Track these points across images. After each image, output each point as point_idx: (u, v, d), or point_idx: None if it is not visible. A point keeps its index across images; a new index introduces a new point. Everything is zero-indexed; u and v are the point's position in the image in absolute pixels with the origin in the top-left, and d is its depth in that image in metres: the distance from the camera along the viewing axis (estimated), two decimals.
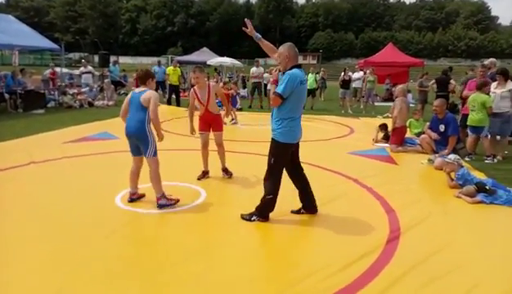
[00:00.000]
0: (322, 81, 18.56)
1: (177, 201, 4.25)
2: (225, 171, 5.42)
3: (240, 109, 14.18)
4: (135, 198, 4.37)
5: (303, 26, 76.57)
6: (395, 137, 7.57)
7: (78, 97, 13.69)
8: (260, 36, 4.16)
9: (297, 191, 4.08)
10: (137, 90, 4.21)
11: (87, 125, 9.56)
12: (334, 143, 8.37)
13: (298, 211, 4.11)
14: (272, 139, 3.76)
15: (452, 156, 5.40)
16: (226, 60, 20.60)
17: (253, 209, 3.90)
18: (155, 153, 4.14)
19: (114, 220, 3.88)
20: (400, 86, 8.35)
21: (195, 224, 3.92)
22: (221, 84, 11.18)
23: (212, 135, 5.32)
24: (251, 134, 9.30)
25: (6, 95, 11.69)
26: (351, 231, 3.77)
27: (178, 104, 14.37)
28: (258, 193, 4.62)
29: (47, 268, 2.95)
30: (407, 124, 7.98)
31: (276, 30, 69.74)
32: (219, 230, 3.81)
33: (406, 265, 3.10)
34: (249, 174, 5.59)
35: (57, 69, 16.29)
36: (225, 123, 9.98)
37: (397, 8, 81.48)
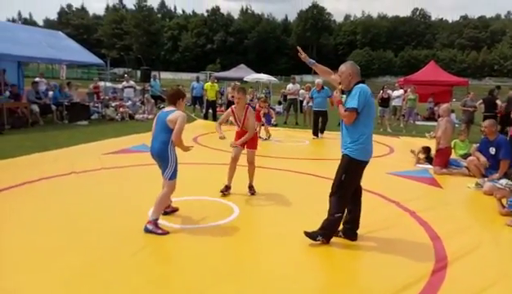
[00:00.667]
0: None
1: (165, 233, 3.86)
2: (250, 188, 5.35)
3: (275, 125, 14.13)
4: (169, 211, 4.34)
5: (340, 44, 76.31)
6: (439, 158, 7.18)
7: (120, 110, 14.18)
8: (314, 61, 4.18)
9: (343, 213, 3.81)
10: (166, 109, 4.08)
11: (126, 137, 9.81)
12: (372, 162, 8.04)
13: (336, 234, 3.89)
14: (345, 155, 3.62)
15: (504, 181, 5.03)
16: (263, 77, 20.75)
17: (317, 228, 3.69)
18: (172, 177, 3.97)
19: (146, 234, 3.83)
20: (444, 106, 7.98)
21: (229, 242, 3.80)
22: (256, 101, 11.22)
23: (245, 151, 5.26)
24: (284, 150, 9.16)
25: (53, 107, 12.29)
26: (392, 259, 3.51)
27: (214, 119, 14.51)
28: (293, 210, 4.47)
29: (71, 282, 2.90)
30: (452, 145, 7.57)
31: (312, 48, 69.85)
32: (253, 250, 3.67)
33: None
34: (281, 190, 5.45)
35: (101, 83, 17.03)
36: (260, 137, 10.07)
37: (438, 26, 79.60)
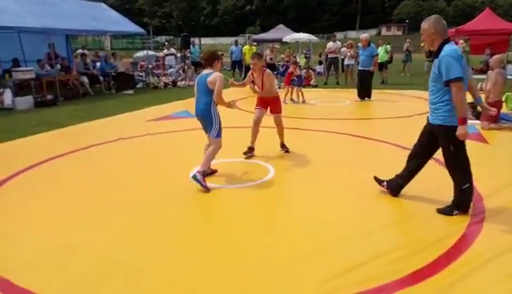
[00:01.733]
0: (407, 53, 17.22)
1: (207, 188, 4.10)
2: (283, 146, 5.51)
3: (315, 86, 13.90)
4: (208, 172, 4.56)
5: None
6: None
7: (163, 78, 14.58)
8: None
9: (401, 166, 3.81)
10: (204, 72, 4.27)
11: (169, 104, 10.17)
12: (415, 120, 7.79)
13: (380, 182, 3.94)
14: (442, 125, 3.34)
15: None
16: (302, 36, 20.16)
17: (451, 201, 3.52)
18: (218, 135, 4.22)
19: (188, 194, 4.09)
20: (496, 57, 7.43)
21: (263, 200, 3.98)
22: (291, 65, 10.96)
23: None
24: (323, 111, 9.07)
25: (101, 78, 12.89)
26: (429, 214, 3.50)
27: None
28: (328, 170, 4.53)
29: (121, 236, 3.20)
30: (504, 98, 7.11)
31: (357, 2, 66.22)
32: (286, 207, 3.82)
33: (487, 254, 2.81)
34: (317, 151, 5.50)
35: (141, 54, 17.47)
36: (285, 102, 9.96)
37: None
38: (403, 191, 3.91)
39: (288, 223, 3.41)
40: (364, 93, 10.48)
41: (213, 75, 4.15)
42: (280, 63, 15.23)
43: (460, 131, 3.21)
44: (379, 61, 13.72)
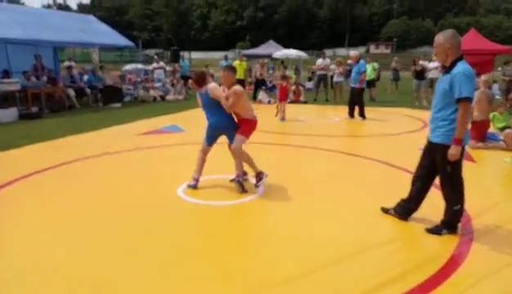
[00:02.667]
0: (395, 72, 17.26)
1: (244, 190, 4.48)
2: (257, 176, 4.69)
3: (305, 102, 13.99)
4: (197, 184, 4.53)
5: (375, 14, 73.11)
6: (474, 132, 6.85)
7: (151, 92, 14.48)
8: None
9: (406, 192, 3.73)
10: (202, 92, 4.40)
11: (157, 118, 10.06)
12: (403, 138, 7.86)
13: (386, 211, 3.86)
14: (441, 144, 3.30)
15: None
16: (292, 52, 20.38)
17: (440, 222, 3.51)
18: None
19: (175, 210, 4.01)
20: (482, 77, 7.56)
21: (252, 217, 3.92)
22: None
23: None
24: (312, 128, 9.07)
25: (88, 90, 12.74)
26: (417, 233, 3.49)
27: None
28: (317, 187, 4.49)
29: (105, 252, 3.10)
30: (490, 118, 7.21)
31: (346, 20, 67.52)
32: (274, 225, 3.72)
33: (476, 274, 2.80)
34: (307, 168, 5.45)
35: (129, 67, 17.42)
36: (281, 118, 9.84)
37: None
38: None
39: (276, 242, 3.33)
40: (352, 111, 10.21)
41: (209, 88, 4.32)
42: (269, 79, 15.32)
43: (452, 151, 3.18)
44: (366, 79, 13.88)
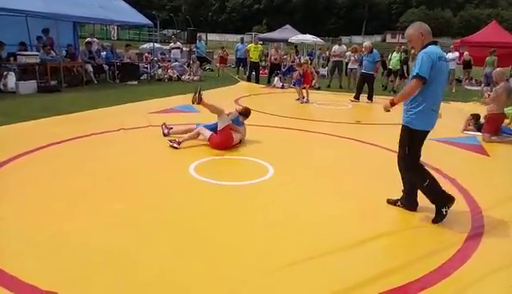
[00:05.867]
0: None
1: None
2: None
3: (318, 88, 13.92)
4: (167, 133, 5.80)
5: (394, 2, 71.40)
6: (489, 125, 6.80)
7: (168, 71, 14.56)
8: None
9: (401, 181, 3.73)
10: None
11: (172, 97, 10.15)
12: None
13: (394, 203, 3.81)
14: (404, 125, 3.42)
15: None
16: (308, 38, 20.17)
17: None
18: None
19: (186, 188, 4.09)
20: (499, 70, 7.43)
21: (261, 199, 3.94)
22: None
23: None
24: (324, 114, 9.06)
25: (106, 67, 12.87)
26: (426, 224, 3.47)
27: (257, 81, 14.54)
28: (324, 172, 4.53)
29: (116, 227, 3.16)
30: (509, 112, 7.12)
31: (364, 7, 66.12)
32: (283, 208, 3.76)
33: (485, 267, 2.78)
34: (316, 153, 5.50)
35: (147, 45, 17.41)
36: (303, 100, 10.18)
37: None
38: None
39: (284, 225, 3.36)
40: (360, 94, 10.97)
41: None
42: (284, 63, 15.25)
43: (384, 104, 3.49)
44: (390, 67, 13.76)
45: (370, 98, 10.89)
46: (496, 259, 2.92)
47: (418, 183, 3.52)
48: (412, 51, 3.25)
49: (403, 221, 3.57)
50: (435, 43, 3.35)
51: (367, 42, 11.43)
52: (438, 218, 3.46)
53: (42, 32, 11.50)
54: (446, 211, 3.43)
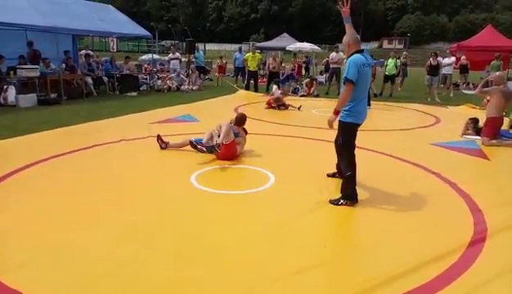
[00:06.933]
0: (403, 67, 15.86)
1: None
2: None
3: (317, 95, 14.00)
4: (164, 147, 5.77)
5: (390, 9, 72.15)
6: (488, 129, 6.83)
7: (167, 82, 14.64)
8: (350, 21, 4.15)
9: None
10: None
11: (172, 108, 10.19)
12: (416, 133, 7.85)
13: (333, 175, 4.62)
14: (340, 120, 3.98)
15: None
16: (305, 46, 20.32)
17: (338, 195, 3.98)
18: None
19: (187, 197, 4.10)
20: (497, 73, 7.49)
21: (263, 207, 3.94)
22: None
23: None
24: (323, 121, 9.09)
25: (105, 79, 12.94)
26: (427, 230, 3.46)
27: (256, 90, 14.60)
28: (329, 181, 4.54)
29: (119, 237, 3.16)
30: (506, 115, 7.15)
31: (360, 14, 66.66)
32: (285, 216, 3.75)
33: (489, 273, 2.76)
34: (316, 159, 5.51)
35: (145, 57, 17.52)
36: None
37: None
38: (406, 205, 3.96)
39: (287, 232, 3.36)
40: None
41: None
42: (282, 71, 15.35)
43: (329, 118, 4.00)
44: (387, 73, 13.83)
45: (367, 104, 10.85)
46: (500, 263, 2.90)
47: (345, 171, 4.01)
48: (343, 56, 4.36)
49: (406, 226, 3.57)
50: (361, 51, 3.91)
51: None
52: (335, 203, 3.93)
53: (26, 45, 11.36)
54: (342, 204, 3.91)
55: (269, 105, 10.54)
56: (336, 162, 4.44)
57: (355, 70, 3.74)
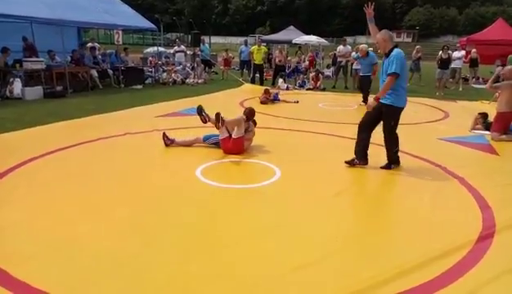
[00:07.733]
0: (416, 62, 15.52)
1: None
2: None
3: (324, 89, 13.89)
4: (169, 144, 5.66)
5: (398, 1, 71.27)
6: (498, 124, 6.72)
7: (172, 75, 14.60)
8: (374, 21, 4.76)
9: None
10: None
11: (177, 101, 10.16)
12: (423, 128, 7.75)
13: (351, 162, 4.84)
14: (389, 105, 4.53)
15: None
16: (312, 39, 20.14)
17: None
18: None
19: (193, 192, 4.07)
20: (508, 68, 7.33)
21: (269, 202, 3.91)
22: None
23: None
24: (329, 115, 9.02)
25: (110, 72, 12.92)
26: (435, 225, 3.42)
27: (262, 83, 14.51)
28: (331, 173, 4.50)
29: (124, 232, 3.15)
30: None
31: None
32: (291, 211, 3.72)
33: (497, 269, 2.72)
34: (322, 154, 5.46)
35: (151, 49, 17.48)
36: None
37: None
38: (414, 201, 3.90)
39: (294, 227, 3.34)
40: (364, 98, 10.55)
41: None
42: (288, 64, 15.24)
43: (369, 102, 4.74)
44: None
45: (364, 101, 10.31)
46: (508, 259, 2.86)
47: (392, 148, 4.80)
48: (378, 51, 4.63)
49: (413, 223, 3.50)
50: (396, 46, 4.47)
51: (363, 45, 11.29)
52: (385, 167, 4.81)
53: (22, 40, 11.22)
54: (393, 167, 4.81)
55: (264, 102, 10.37)
56: (355, 147, 4.85)
57: (401, 64, 4.33)
